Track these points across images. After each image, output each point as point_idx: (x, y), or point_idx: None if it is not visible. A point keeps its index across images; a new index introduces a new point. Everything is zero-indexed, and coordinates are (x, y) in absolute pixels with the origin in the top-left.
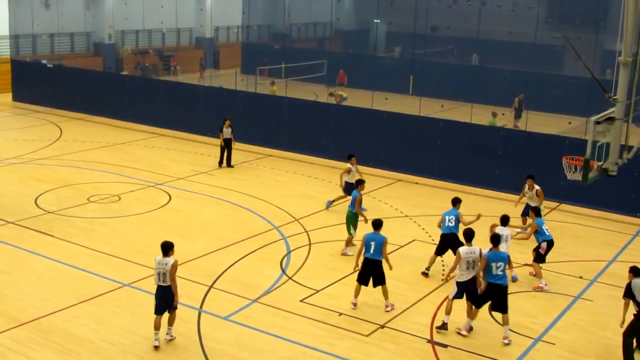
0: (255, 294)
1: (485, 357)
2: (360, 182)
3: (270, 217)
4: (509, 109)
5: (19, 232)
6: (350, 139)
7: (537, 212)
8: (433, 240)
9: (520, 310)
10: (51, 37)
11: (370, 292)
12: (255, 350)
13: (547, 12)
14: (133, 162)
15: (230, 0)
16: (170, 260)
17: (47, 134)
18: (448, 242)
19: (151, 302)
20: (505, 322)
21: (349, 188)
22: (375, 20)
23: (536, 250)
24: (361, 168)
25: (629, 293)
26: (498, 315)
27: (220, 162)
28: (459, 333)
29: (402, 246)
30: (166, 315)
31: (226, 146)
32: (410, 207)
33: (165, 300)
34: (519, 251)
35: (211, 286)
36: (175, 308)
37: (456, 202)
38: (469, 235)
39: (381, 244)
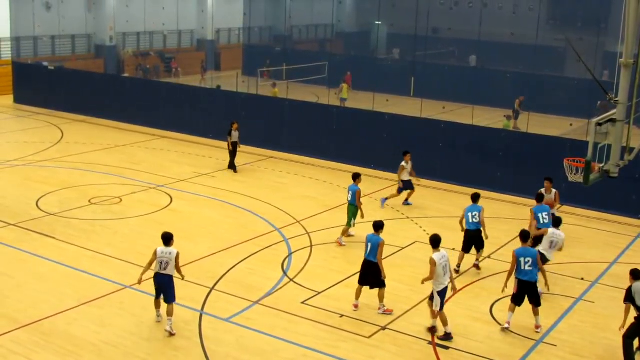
0: (256, 295)
1: (487, 359)
2: (357, 176)
3: (272, 219)
4: (512, 111)
5: (20, 234)
6: (351, 140)
7: (539, 199)
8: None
9: (521, 312)
10: (52, 39)
11: (372, 294)
12: (257, 352)
13: (548, 14)
14: (134, 164)
15: (232, 2)
16: (174, 250)
17: (49, 136)
18: (473, 237)
19: (152, 304)
20: (536, 313)
21: (406, 185)
22: (377, 22)
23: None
24: (362, 170)
25: (629, 297)
26: (499, 316)
27: (230, 165)
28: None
29: (403, 248)
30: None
31: (234, 150)
32: (411, 209)
33: (161, 288)
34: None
35: (212, 288)
36: (173, 300)
37: (477, 197)
38: (436, 241)
39: (376, 246)
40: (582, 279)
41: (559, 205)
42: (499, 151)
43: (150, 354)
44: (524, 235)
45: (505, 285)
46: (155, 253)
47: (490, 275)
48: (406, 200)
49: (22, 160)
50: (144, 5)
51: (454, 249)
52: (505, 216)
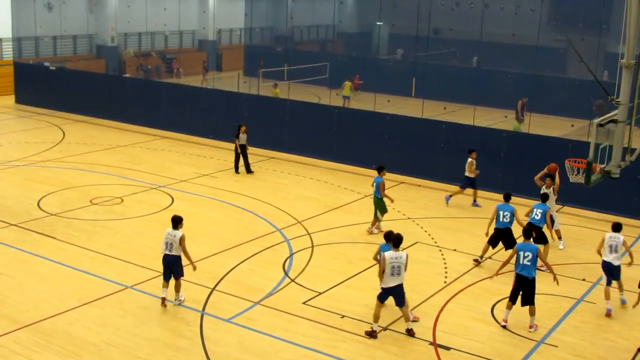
0: (258, 296)
1: (488, 359)
2: (381, 168)
3: (273, 219)
4: (513, 111)
5: (21, 234)
6: (352, 141)
7: (544, 198)
8: (436, 242)
9: (523, 312)
10: (54, 39)
11: (374, 294)
12: (258, 353)
13: (549, 15)
14: (135, 165)
15: (233, 3)
16: (179, 233)
17: (50, 136)
18: (503, 235)
19: (154, 304)
20: (531, 313)
21: (467, 182)
22: (378, 23)
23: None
24: (363, 170)
25: None
26: (500, 316)
27: (240, 169)
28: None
29: (404, 248)
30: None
31: (242, 152)
32: (413, 210)
33: (170, 267)
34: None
35: (214, 288)
36: (181, 275)
37: (509, 197)
38: (397, 240)
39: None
40: (584, 279)
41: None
42: (500, 152)
43: (151, 354)
44: (527, 232)
45: (497, 273)
46: None
47: (491, 276)
48: (474, 201)
49: (24, 161)
50: (146, 6)
51: (455, 250)
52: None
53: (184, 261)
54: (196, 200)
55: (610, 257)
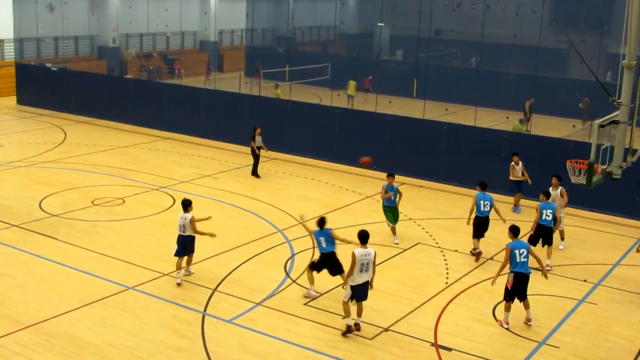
0: (259, 297)
1: None
2: (390, 175)
3: (275, 220)
4: (514, 112)
5: (23, 235)
6: (354, 142)
7: (547, 195)
8: (437, 243)
9: (524, 313)
10: (55, 40)
11: (376, 295)
12: (259, 354)
13: (551, 16)
14: (137, 165)
15: (235, 4)
16: (189, 215)
17: (51, 137)
18: (484, 225)
19: (155, 305)
20: (527, 307)
21: (516, 186)
22: (379, 24)
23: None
24: (364, 171)
25: None
26: (501, 317)
27: (254, 172)
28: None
29: (406, 249)
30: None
31: (258, 154)
32: (414, 211)
33: (184, 246)
34: None
35: (215, 289)
36: (193, 252)
37: (485, 185)
38: (364, 237)
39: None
40: (585, 280)
41: (565, 202)
42: (502, 153)
43: (152, 355)
44: (515, 230)
45: (495, 279)
46: None
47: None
48: (515, 205)
49: (25, 161)
50: (147, 7)
51: (456, 251)
52: (508, 218)
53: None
54: (197, 201)
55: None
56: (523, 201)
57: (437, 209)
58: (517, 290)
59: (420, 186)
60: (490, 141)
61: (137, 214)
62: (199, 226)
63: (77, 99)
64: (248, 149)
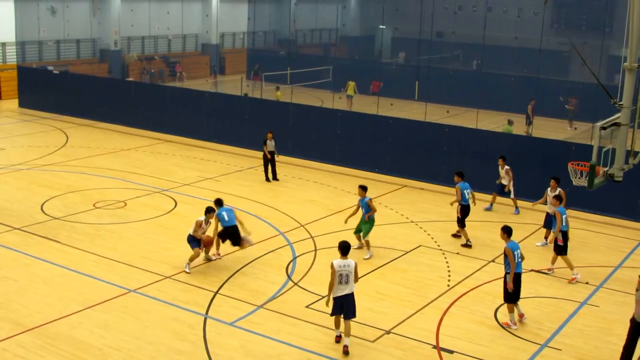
0: (261, 299)
1: None
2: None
3: (276, 223)
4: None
5: (25, 238)
6: (355, 144)
7: (559, 199)
8: (439, 245)
9: (526, 316)
10: (57, 43)
11: (378, 298)
12: (261, 356)
13: (552, 18)
14: (139, 168)
15: (236, 7)
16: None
17: (53, 140)
18: (468, 211)
19: (157, 307)
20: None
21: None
22: (381, 26)
23: (555, 243)
24: (366, 174)
25: None
26: (503, 319)
27: (267, 177)
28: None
29: (407, 252)
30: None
31: (270, 159)
32: (416, 213)
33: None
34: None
35: (217, 292)
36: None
37: (463, 175)
38: (344, 248)
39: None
40: (587, 283)
41: (564, 204)
42: (504, 155)
43: (154, 358)
44: (509, 230)
45: (512, 284)
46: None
47: (494, 280)
48: (490, 204)
49: (27, 164)
50: (149, 10)
51: (458, 253)
52: (510, 220)
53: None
54: (200, 204)
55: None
56: (525, 204)
57: (439, 212)
58: (518, 290)
59: (422, 189)
60: (491, 144)
61: (139, 217)
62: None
63: (79, 102)
64: (249, 151)
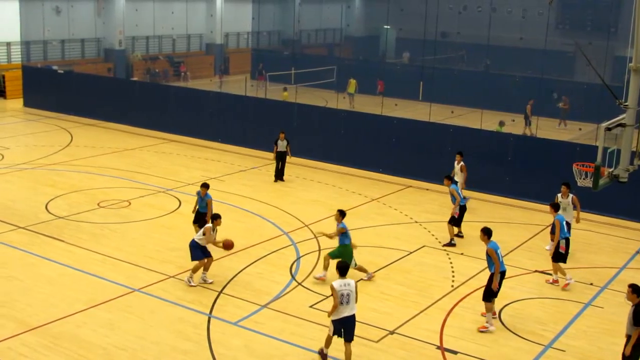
0: (265, 299)
1: None
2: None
3: (280, 222)
4: (520, 115)
5: (29, 237)
6: (359, 145)
7: (557, 207)
8: (443, 246)
9: (530, 317)
10: (62, 43)
11: (382, 298)
12: (265, 356)
13: (557, 18)
14: (143, 168)
15: (241, 7)
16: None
17: (58, 139)
18: (464, 212)
19: (161, 307)
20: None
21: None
22: (385, 27)
23: (555, 249)
24: (371, 174)
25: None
26: (506, 320)
27: (276, 177)
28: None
29: (411, 252)
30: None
31: (280, 159)
32: (420, 214)
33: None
34: (528, 257)
35: (221, 292)
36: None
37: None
38: (342, 268)
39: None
40: (591, 284)
41: (577, 211)
42: (508, 156)
43: (158, 357)
44: (489, 231)
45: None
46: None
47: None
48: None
49: (32, 164)
50: (153, 10)
51: (462, 254)
52: (514, 221)
53: None
54: None
55: None
56: (530, 204)
57: (443, 212)
58: (498, 289)
59: (427, 189)
60: (496, 144)
61: (144, 217)
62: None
63: (84, 102)
64: (253, 151)
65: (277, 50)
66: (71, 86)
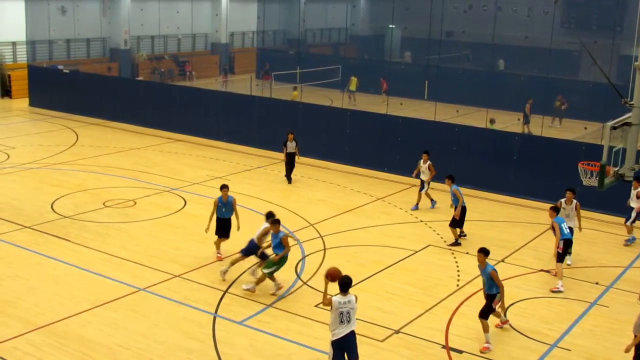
0: (270, 299)
1: None
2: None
3: (285, 222)
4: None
5: (35, 236)
6: (365, 144)
7: (556, 210)
8: (448, 245)
9: (535, 316)
10: (67, 42)
11: (387, 298)
12: (270, 356)
13: (562, 17)
14: (148, 167)
15: (246, 6)
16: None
17: (63, 139)
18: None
19: (166, 306)
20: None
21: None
22: (390, 26)
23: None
24: (375, 173)
25: None
26: (512, 319)
27: (288, 178)
28: None
29: (417, 251)
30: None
31: (290, 160)
32: (425, 213)
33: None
34: (534, 257)
35: (226, 291)
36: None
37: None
38: (344, 284)
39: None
40: (597, 283)
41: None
42: (513, 155)
43: (163, 357)
44: (487, 252)
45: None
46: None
47: (504, 279)
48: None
49: (37, 163)
50: (159, 9)
51: (467, 253)
52: (520, 220)
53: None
54: (209, 203)
55: None
56: (535, 203)
57: (448, 211)
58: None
59: (432, 188)
60: (501, 143)
61: (149, 216)
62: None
63: (89, 101)
64: (258, 150)
65: (283, 49)
66: (76, 86)
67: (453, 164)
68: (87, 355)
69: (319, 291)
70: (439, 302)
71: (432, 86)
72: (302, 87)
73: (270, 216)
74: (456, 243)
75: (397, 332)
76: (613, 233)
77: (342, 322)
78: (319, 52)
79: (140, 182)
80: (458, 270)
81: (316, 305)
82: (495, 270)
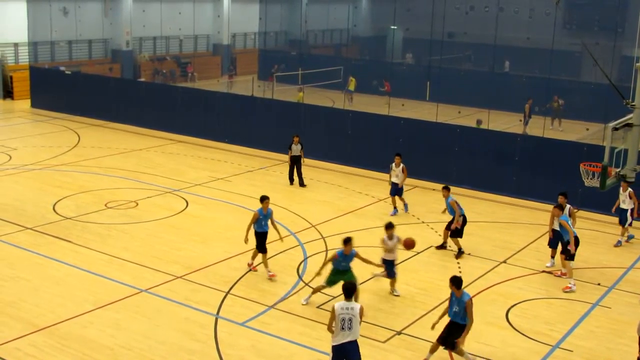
0: (272, 300)
1: None
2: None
3: (287, 223)
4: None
5: (37, 237)
6: (367, 145)
7: (561, 208)
8: (450, 246)
9: (537, 317)
10: (69, 44)
11: (389, 299)
12: (272, 357)
13: (564, 18)
14: (150, 169)
15: (247, 7)
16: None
17: (65, 140)
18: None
19: (168, 307)
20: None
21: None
22: (392, 27)
23: (564, 248)
24: (377, 174)
25: None
26: (514, 321)
27: (291, 180)
28: None
29: (418, 252)
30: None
31: (295, 163)
32: (427, 214)
33: None
34: (535, 257)
35: (228, 292)
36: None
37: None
38: (347, 290)
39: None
40: (599, 284)
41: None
42: (515, 156)
43: (165, 358)
44: (460, 282)
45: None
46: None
47: (505, 281)
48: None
49: (39, 165)
50: (161, 10)
51: (469, 254)
52: (521, 221)
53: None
54: (211, 204)
55: None
56: (537, 204)
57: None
58: None
59: (433, 189)
60: (503, 144)
61: (151, 217)
62: None
63: (91, 102)
64: (260, 152)
65: (284, 50)
66: (78, 87)
67: (455, 166)
68: (88, 356)
69: (321, 293)
70: (440, 303)
71: (434, 87)
72: (304, 88)
73: (389, 227)
74: (460, 252)
75: (399, 333)
76: (615, 234)
77: (342, 328)
78: (321, 53)
79: (142, 183)
80: (460, 272)
81: (318, 307)
82: (471, 300)
